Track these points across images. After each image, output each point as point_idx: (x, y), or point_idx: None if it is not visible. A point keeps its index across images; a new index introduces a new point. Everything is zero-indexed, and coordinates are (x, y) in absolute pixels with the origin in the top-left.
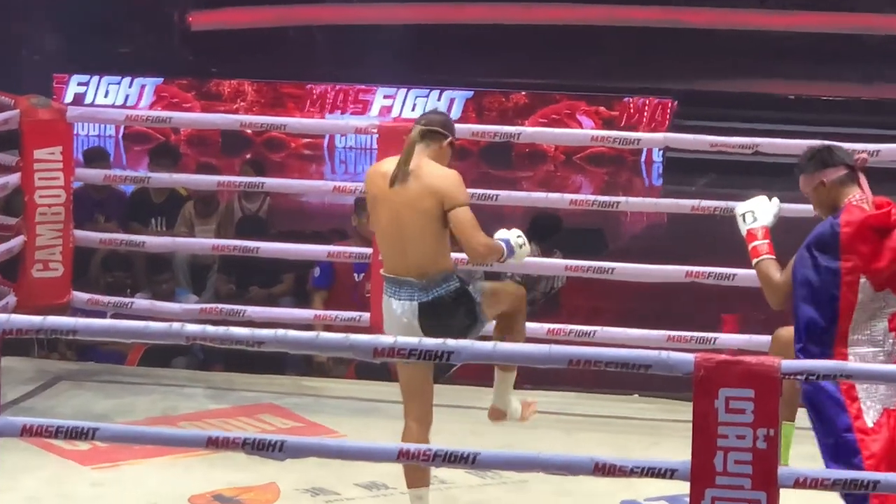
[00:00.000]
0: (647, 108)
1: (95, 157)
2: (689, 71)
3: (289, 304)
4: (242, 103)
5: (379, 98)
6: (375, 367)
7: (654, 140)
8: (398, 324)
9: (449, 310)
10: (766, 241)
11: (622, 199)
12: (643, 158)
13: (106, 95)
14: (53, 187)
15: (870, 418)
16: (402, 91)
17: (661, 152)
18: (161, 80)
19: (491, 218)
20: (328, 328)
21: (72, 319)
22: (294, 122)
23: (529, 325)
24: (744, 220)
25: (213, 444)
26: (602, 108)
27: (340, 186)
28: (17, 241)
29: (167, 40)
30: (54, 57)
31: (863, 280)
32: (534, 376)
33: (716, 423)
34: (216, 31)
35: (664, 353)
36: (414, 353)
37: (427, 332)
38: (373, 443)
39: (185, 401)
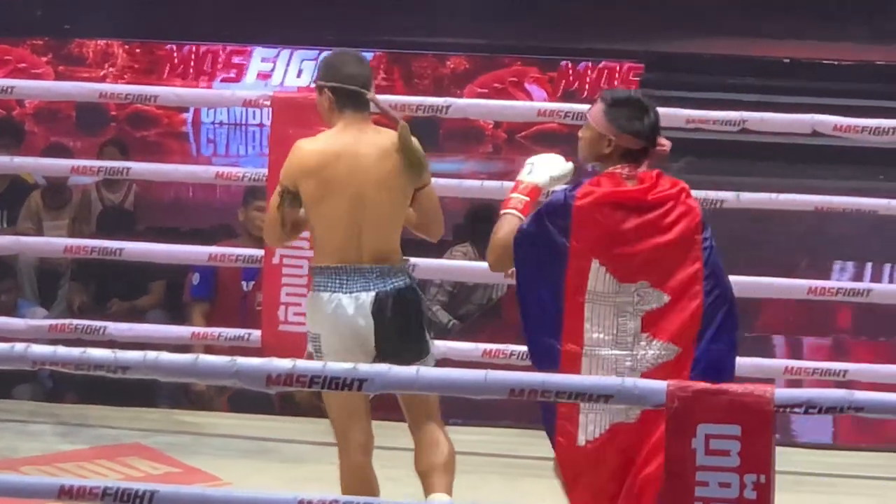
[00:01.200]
0: (607, 74)
1: None
2: (660, 28)
3: (159, 318)
4: (111, 69)
5: (256, 61)
6: (256, 397)
7: None
8: (350, 328)
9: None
10: (525, 198)
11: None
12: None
13: None
14: None
15: (585, 436)
16: (285, 53)
17: None
18: None
19: None
20: (209, 349)
21: None
22: (168, 91)
23: (462, 345)
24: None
25: (67, 494)
26: (553, 75)
27: (224, 173)
28: None
29: None
30: None
31: (597, 266)
32: (467, 409)
33: (693, 468)
34: None
35: (629, 381)
36: (317, 381)
37: (383, 337)
38: (264, 491)
39: (30, 440)
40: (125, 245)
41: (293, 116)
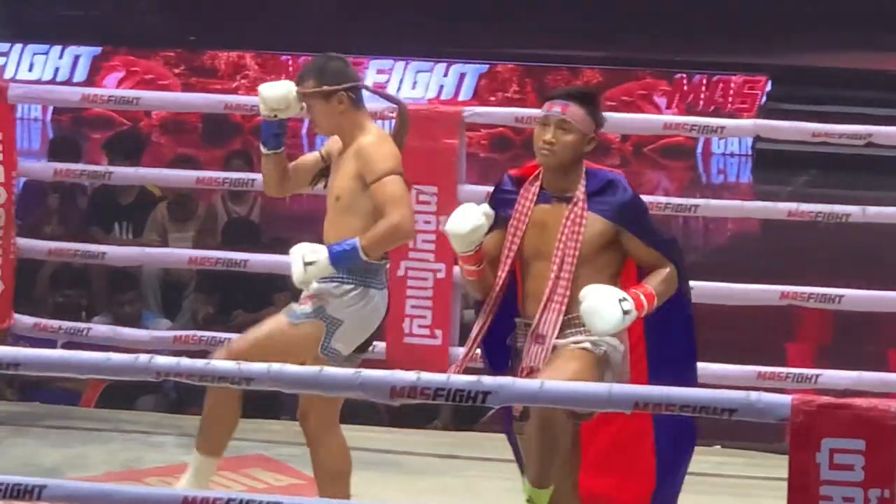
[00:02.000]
0: (733, 87)
1: (64, 148)
2: (786, 42)
3: None
4: (243, 80)
5: (371, 73)
6: (362, 407)
7: (741, 128)
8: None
9: None
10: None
11: (701, 201)
12: (700, 150)
13: (29, 68)
14: None
15: None
16: (400, 64)
17: (749, 143)
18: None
19: None
20: None
21: (12, 350)
22: None
23: None
24: (626, 312)
25: None
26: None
27: None
28: None
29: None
30: None
31: None
32: None
33: (817, 482)
34: None
35: (753, 395)
36: (441, 394)
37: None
38: (386, 503)
39: (154, 451)
40: (250, 257)
41: (419, 129)
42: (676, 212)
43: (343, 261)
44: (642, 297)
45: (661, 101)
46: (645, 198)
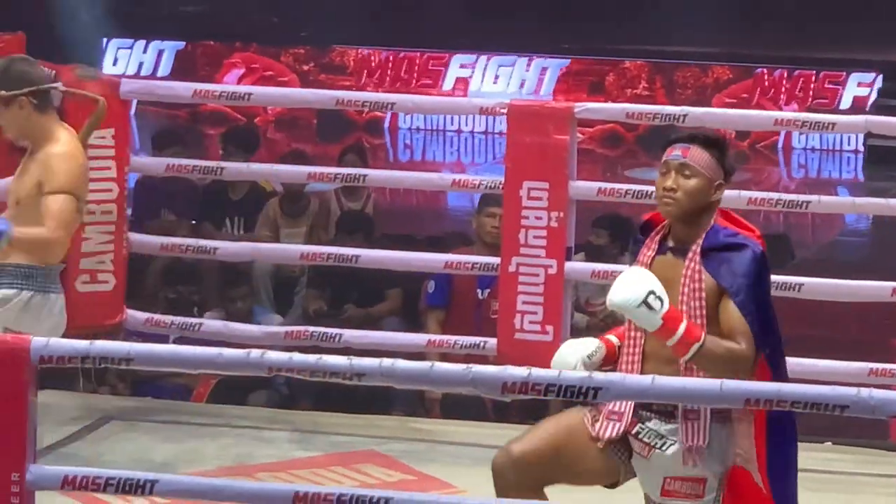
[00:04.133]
0: (802, 82)
1: (169, 141)
2: None
3: (395, 326)
4: (369, 78)
5: (454, 68)
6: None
7: (852, 124)
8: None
9: None
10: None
11: (813, 197)
12: (781, 144)
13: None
14: (104, 179)
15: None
16: (483, 59)
17: (861, 139)
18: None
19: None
20: (444, 357)
21: (126, 344)
22: (404, 99)
23: None
24: (649, 307)
25: (301, 500)
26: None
27: (462, 180)
28: None
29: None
30: (105, 18)
31: None
32: None
33: None
34: None
35: (864, 391)
36: (552, 389)
37: None
38: (496, 500)
39: (265, 446)
40: (362, 252)
41: (530, 125)
42: (788, 208)
43: None
44: (685, 324)
45: (781, 97)
46: (756, 194)
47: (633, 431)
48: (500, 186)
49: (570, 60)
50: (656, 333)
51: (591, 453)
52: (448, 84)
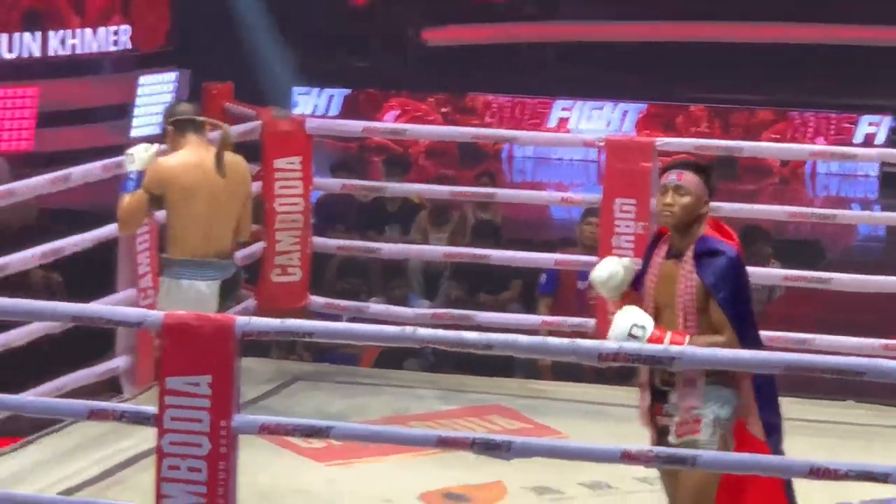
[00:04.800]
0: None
1: (341, 167)
2: None
3: (517, 309)
4: (491, 119)
5: (556, 110)
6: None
7: (868, 155)
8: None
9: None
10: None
11: (838, 211)
12: (808, 170)
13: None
14: (292, 195)
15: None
16: (580, 104)
17: (874, 166)
18: (344, 92)
19: None
20: (553, 334)
21: (309, 322)
22: (525, 135)
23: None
24: (634, 337)
25: (443, 443)
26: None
27: (569, 197)
28: (257, 247)
29: (402, 55)
30: (291, 70)
31: None
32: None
33: None
34: (448, 48)
35: (879, 361)
36: (638, 359)
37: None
38: (596, 444)
39: (417, 402)
40: (492, 252)
41: (622, 154)
42: (820, 220)
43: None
44: (668, 336)
45: (820, 137)
46: (794, 209)
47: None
48: (598, 202)
49: (647, 105)
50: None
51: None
52: (552, 122)
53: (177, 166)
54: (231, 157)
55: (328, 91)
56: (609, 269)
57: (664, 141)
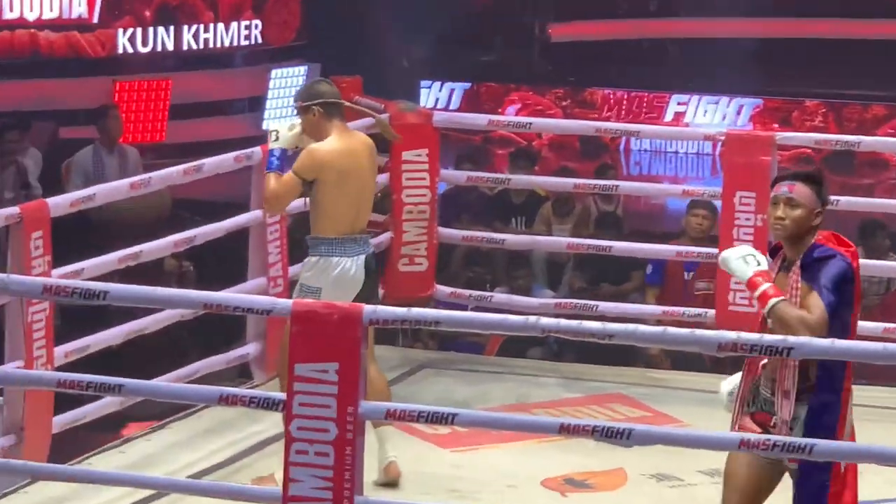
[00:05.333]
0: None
1: (465, 159)
2: None
3: (637, 300)
4: (609, 112)
5: (672, 104)
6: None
7: None
8: (352, 283)
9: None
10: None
11: None
12: None
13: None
14: (419, 187)
15: None
16: (695, 98)
17: None
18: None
19: (828, 222)
20: (670, 324)
21: (435, 311)
22: (647, 128)
23: (865, 324)
24: (745, 262)
25: (565, 430)
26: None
27: (690, 190)
28: (385, 238)
29: (527, 50)
30: (418, 64)
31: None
32: (866, 373)
33: None
34: (573, 43)
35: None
36: (756, 348)
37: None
38: (716, 432)
39: (539, 389)
40: (613, 243)
41: (742, 148)
42: None
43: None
44: (769, 284)
45: None
46: None
47: (771, 424)
48: (719, 195)
49: (761, 100)
50: (747, 286)
51: (765, 477)
52: (668, 116)
53: (332, 152)
54: (366, 139)
55: (449, 85)
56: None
57: (784, 135)
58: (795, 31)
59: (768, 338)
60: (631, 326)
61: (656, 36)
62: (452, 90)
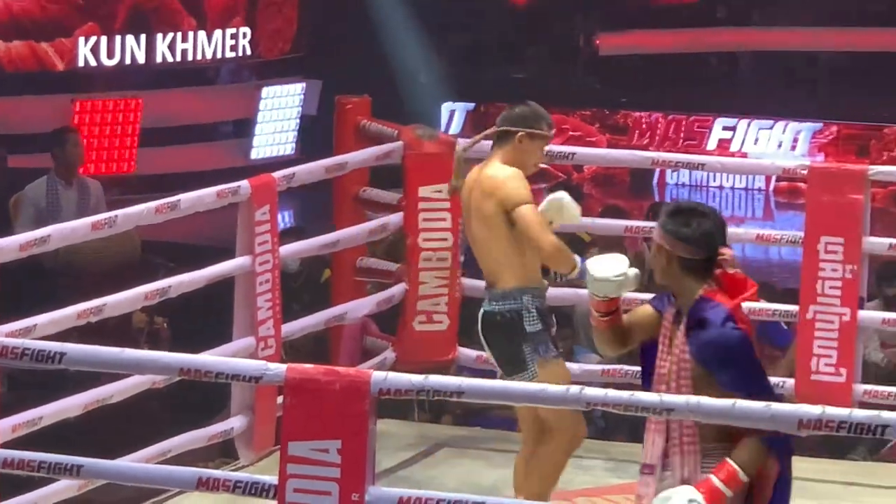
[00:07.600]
0: None
1: None
2: None
3: None
4: (645, 139)
5: (717, 129)
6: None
7: None
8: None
9: (495, 330)
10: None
11: None
12: None
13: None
14: (439, 230)
15: None
16: (744, 122)
17: None
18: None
19: None
20: None
21: (457, 379)
22: (713, 160)
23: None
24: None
25: None
26: None
27: (765, 235)
28: (397, 290)
29: (570, 65)
30: (442, 82)
31: None
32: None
33: None
34: (626, 56)
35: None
36: (843, 426)
37: (487, 346)
38: None
39: (583, 473)
40: None
41: (828, 185)
42: None
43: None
44: (720, 485)
45: None
46: None
47: None
48: (800, 241)
49: (821, 124)
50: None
51: None
52: (711, 144)
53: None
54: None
55: (447, 105)
56: (615, 271)
57: (878, 170)
58: (874, 43)
59: (859, 414)
60: (693, 399)
61: (703, 50)
62: (453, 111)
